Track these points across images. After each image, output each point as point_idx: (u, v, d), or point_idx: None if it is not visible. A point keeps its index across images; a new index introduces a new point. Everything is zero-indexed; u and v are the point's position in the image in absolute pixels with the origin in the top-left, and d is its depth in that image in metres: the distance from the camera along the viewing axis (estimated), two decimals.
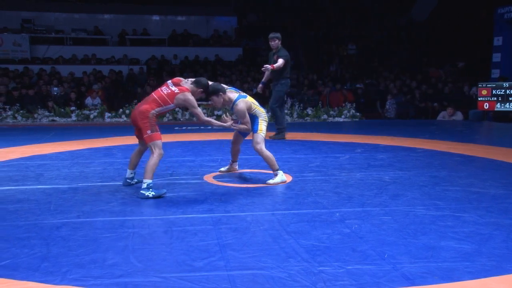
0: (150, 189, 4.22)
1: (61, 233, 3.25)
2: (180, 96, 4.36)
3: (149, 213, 3.76)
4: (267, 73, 7.88)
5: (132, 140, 7.99)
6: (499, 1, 12.65)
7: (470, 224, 3.47)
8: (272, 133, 8.00)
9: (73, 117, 11.42)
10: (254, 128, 4.83)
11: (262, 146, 4.76)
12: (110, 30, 17.27)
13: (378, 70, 15.71)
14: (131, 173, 4.73)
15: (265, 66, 7.49)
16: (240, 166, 5.56)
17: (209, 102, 5.06)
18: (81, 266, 2.69)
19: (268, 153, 4.79)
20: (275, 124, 8.07)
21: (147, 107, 4.33)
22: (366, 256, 2.85)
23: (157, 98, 4.38)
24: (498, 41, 12.36)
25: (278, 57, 7.68)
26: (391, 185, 4.68)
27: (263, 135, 4.81)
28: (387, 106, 13.14)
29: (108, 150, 6.92)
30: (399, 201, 4.10)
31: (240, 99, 4.73)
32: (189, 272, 2.62)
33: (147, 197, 4.17)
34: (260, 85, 8.15)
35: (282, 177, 4.79)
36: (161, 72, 14.99)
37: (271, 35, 7.78)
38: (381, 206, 3.94)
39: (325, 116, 11.85)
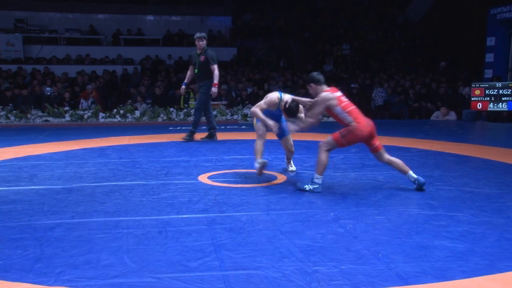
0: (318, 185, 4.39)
1: (54, 234, 3.23)
2: None
3: (143, 213, 3.75)
4: (189, 74, 7.84)
5: (126, 140, 7.99)
6: (492, 2, 12.71)
7: (464, 223, 3.49)
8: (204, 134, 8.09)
9: (67, 117, 11.37)
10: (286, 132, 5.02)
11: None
12: (104, 30, 17.23)
13: (372, 70, 15.74)
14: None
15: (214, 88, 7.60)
16: (235, 166, 5.57)
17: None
18: (75, 267, 2.68)
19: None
20: (193, 127, 7.93)
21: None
22: (360, 256, 2.86)
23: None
24: (491, 41, 12.44)
25: (205, 58, 7.65)
26: (385, 185, 4.69)
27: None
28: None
29: (102, 151, 6.91)
30: (393, 201, 4.12)
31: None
32: (183, 272, 2.62)
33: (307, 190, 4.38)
34: (183, 86, 8.06)
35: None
36: (156, 72, 14.96)
37: (198, 35, 7.74)
38: (375, 205, 3.95)
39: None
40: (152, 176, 5.12)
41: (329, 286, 2.45)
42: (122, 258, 2.80)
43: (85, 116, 11.42)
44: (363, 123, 4.37)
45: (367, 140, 4.44)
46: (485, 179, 4.93)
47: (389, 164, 4.57)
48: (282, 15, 18.58)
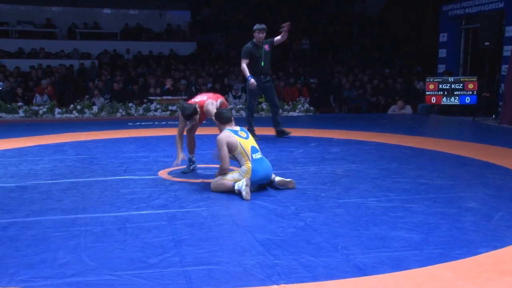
0: None
1: (8, 233, 3.13)
2: None
3: (102, 210, 3.69)
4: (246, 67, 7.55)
5: (83, 136, 7.80)
6: None
7: (419, 214, 3.60)
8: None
9: (21, 113, 10.99)
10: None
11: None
12: (59, 23, 16.71)
13: (331, 64, 15.95)
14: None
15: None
16: (196, 161, 5.53)
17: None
18: (29, 266, 2.61)
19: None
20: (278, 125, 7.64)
21: None
22: (320, 248, 2.90)
23: None
24: (443, 37, 12.82)
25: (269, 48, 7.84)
26: (344, 178, 4.78)
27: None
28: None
29: (58, 147, 6.72)
30: (352, 194, 4.20)
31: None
32: (143, 269, 2.59)
33: None
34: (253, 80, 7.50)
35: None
36: (114, 66, 14.67)
37: (259, 26, 7.80)
38: (334, 198, 4.02)
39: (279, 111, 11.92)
40: (110, 172, 5.03)
41: (290, 278, 2.48)
42: (79, 256, 2.75)
43: (40, 112, 11.06)
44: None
45: None
46: (438, 171, 5.09)
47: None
48: (241, 9, 18.55)
